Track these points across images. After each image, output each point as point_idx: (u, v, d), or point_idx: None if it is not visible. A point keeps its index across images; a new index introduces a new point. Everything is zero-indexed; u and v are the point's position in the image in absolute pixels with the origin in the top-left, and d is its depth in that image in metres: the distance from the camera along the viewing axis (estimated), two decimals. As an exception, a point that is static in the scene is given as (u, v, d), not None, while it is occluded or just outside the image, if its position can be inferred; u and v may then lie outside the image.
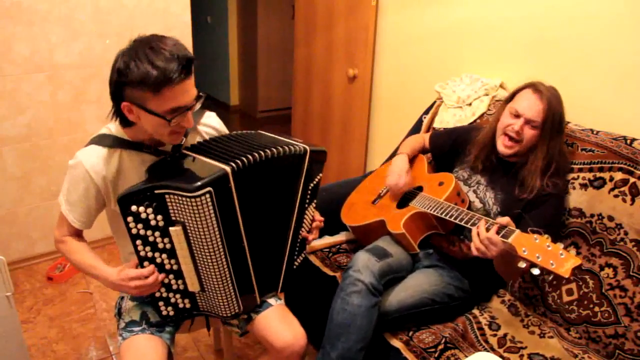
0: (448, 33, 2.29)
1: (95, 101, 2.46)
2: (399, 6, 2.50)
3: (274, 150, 1.25)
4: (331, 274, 1.75)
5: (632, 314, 1.42)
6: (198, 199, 1.11)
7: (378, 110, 2.80)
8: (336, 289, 1.52)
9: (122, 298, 1.45)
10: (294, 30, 3.30)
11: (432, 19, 2.35)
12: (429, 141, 1.89)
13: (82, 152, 1.25)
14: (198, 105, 1.22)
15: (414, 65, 2.51)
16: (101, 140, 1.26)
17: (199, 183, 1.11)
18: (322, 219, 1.51)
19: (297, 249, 1.46)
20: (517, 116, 1.52)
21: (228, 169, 1.16)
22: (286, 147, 1.27)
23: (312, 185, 1.42)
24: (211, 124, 1.44)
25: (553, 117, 1.51)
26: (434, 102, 2.23)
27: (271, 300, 1.46)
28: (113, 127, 1.28)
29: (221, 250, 1.20)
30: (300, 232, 1.45)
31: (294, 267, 1.48)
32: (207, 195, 1.12)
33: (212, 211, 1.14)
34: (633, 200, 1.47)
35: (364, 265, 1.48)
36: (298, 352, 1.38)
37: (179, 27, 2.58)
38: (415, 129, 2.23)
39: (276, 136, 1.38)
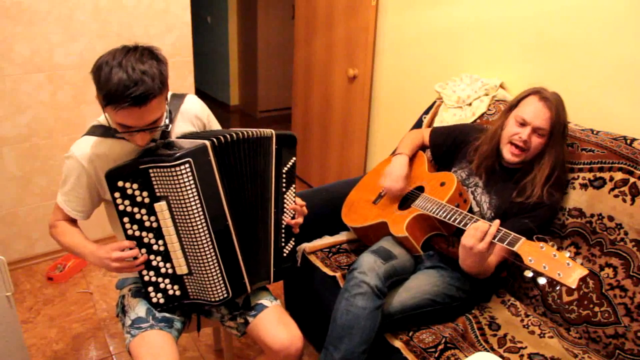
0: (448, 33, 2.29)
1: (95, 101, 2.42)
2: (399, 6, 2.50)
3: (249, 132, 1.33)
4: (331, 274, 1.74)
5: (632, 314, 1.42)
6: (177, 168, 1.17)
7: (378, 110, 2.80)
8: (336, 289, 1.51)
9: (123, 296, 1.45)
10: (294, 30, 3.30)
11: (431, 19, 2.35)
12: (429, 139, 1.88)
13: (75, 144, 1.30)
14: (158, 132, 1.28)
15: (414, 65, 2.51)
16: (92, 131, 1.32)
17: (179, 154, 1.19)
18: (303, 203, 1.52)
19: (282, 235, 1.46)
20: (523, 124, 1.51)
21: (207, 142, 1.23)
22: (255, 131, 1.35)
23: (285, 169, 1.44)
24: (192, 110, 1.45)
25: (559, 125, 1.51)
26: (434, 102, 2.23)
27: (266, 302, 1.45)
28: (102, 118, 1.32)
29: (204, 226, 1.24)
30: (284, 218, 1.46)
31: (284, 255, 1.48)
32: (187, 165, 1.18)
33: (192, 182, 1.20)
34: (633, 200, 1.47)
35: (370, 267, 1.47)
36: (294, 354, 1.37)
37: (179, 27, 2.58)
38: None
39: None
